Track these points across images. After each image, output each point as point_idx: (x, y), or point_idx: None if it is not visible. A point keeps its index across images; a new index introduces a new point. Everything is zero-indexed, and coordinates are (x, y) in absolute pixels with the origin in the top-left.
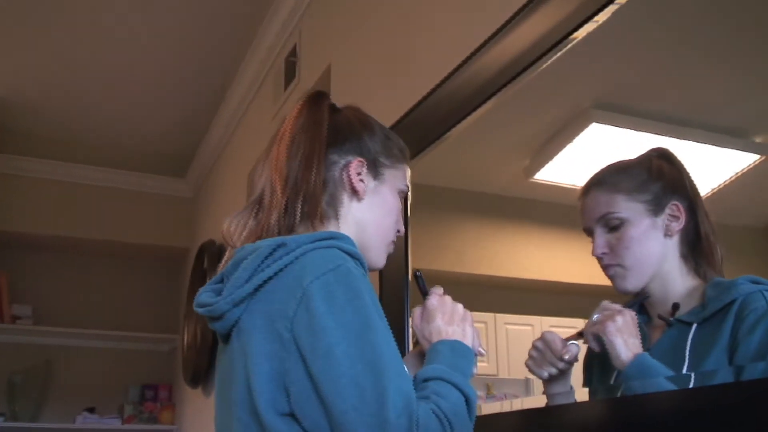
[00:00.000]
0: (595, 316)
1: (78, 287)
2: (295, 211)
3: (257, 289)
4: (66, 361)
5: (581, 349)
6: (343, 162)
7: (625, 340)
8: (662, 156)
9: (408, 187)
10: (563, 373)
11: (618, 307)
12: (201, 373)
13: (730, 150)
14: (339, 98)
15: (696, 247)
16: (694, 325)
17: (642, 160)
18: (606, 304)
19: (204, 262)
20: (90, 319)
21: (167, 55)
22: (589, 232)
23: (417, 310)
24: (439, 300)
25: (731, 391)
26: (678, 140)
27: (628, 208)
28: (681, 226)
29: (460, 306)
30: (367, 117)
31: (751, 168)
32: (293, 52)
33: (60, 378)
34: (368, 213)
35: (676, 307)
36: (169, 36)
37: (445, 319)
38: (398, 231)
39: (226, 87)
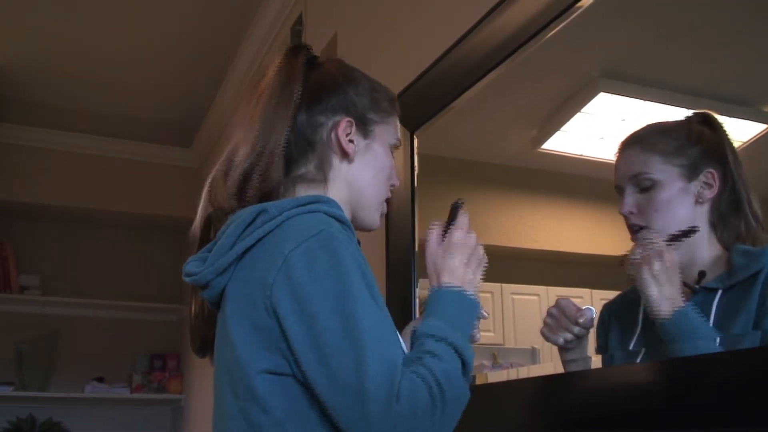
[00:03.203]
0: (637, 253)
1: (85, 257)
2: (250, 181)
3: (240, 256)
4: (74, 331)
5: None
6: (330, 123)
7: (660, 289)
8: (704, 121)
9: (399, 140)
10: (579, 340)
11: (659, 243)
12: (208, 343)
13: (737, 119)
14: None
15: (727, 217)
16: (719, 291)
17: (683, 124)
18: (650, 236)
19: (211, 233)
20: (97, 289)
21: (173, 23)
22: (620, 190)
23: (434, 234)
24: (464, 236)
25: (759, 355)
26: (686, 110)
27: (662, 170)
28: (713, 194)
29: (481, 249)
30: (351, 70)
31: (759, 137)
32: (299, 21)
33: (68, 348)
34: (360, 173)
35: (702, 274)
36: (174, 5)
37: (464, 259)
38: (392, 185)
39: (231, 56)
